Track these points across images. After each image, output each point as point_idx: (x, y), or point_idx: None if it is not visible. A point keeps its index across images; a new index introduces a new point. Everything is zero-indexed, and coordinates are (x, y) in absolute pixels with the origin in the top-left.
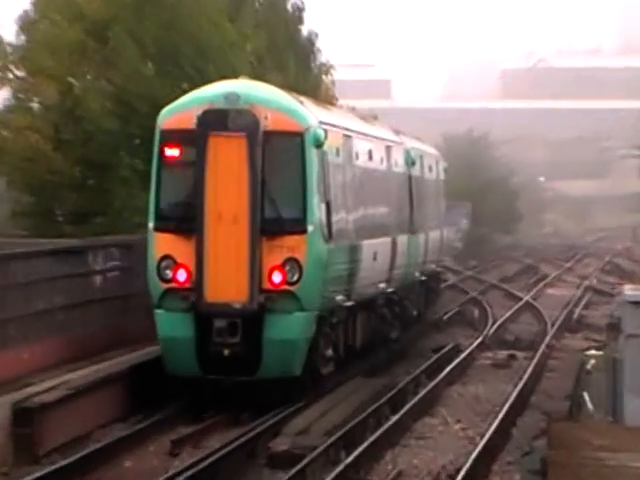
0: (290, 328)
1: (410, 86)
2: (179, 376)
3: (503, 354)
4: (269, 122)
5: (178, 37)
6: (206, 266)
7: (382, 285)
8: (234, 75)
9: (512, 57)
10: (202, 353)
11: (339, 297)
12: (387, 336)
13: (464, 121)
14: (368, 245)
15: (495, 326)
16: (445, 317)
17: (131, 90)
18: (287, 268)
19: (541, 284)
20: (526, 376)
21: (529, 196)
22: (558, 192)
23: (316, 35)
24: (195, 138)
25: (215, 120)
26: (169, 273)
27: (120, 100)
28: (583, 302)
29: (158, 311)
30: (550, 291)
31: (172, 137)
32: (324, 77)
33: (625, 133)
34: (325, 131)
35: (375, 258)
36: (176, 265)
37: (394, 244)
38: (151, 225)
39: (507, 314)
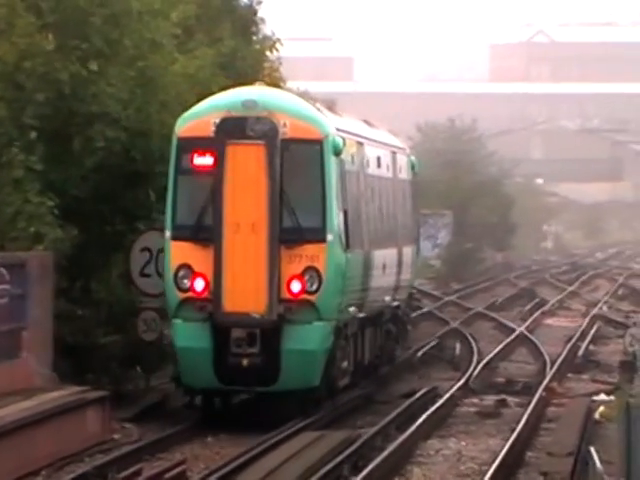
0: (309, 338)
1: (376, 65)
2: (195, 388)
3: (491, 400)
4: (288, 129)
5: (84, 2)
6: (224, 275)
7: (388, 298)
8: (154, 49)
9: (504, 30)
10: (220, 364)
11: (352, 308)
12: (392, 353)
13: (443, 109)
14: (378, 255)
15: (481, 365)
16: (419, 354)
17: (26, 69)
18: (306, 277)
19: (538, 312)
20: (519, 427)
21: (526, 203)
22: (561, 197)
23: (259, 2)
24: (213, 146)
25: (233, 127)
26: (186, 282)
27: (11, 82)
28: (590, 335)
29: (175, 321)
30: (550, 321)
31: (189, 145)
32: (268, 53)
33: None
34: (343, 139)
35: (384, 269)
36: (193, 274)
37: (400, 255)
38: (168, 234)
39: (496, 350)
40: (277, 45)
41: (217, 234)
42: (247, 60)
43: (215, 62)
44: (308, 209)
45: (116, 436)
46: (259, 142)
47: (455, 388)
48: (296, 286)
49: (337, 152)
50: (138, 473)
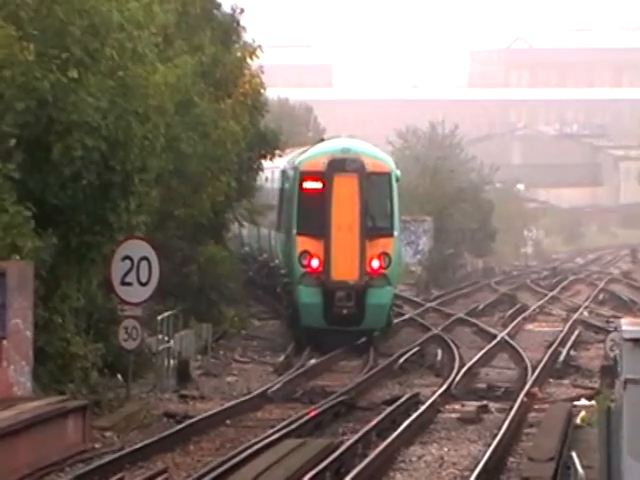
0: (383, 297)
1: (355, 72)
2: (310, 328)
3: (473, 406)
4: (369, 166)
5: (63, 13)
6: (331, 257)
7: None
8: (135, 59)
9: (483, 36)
10: (327, 313)
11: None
12: None
13: (423, 115)
14: None
15: (463, 371)
16: (401, 360)
17: (5, 78)
18: (382, 258)
19: (519, 318)
20: (501, 433)
21: (506, 208)
22: (540, 202)
23: (240, 10)
24: (325, 176)
25: (337, 165)
26: (305, 262)
27: None
28: (571, 340)
29: (299, 287)
30: (531, 327)
31: (308, 175)
32: (249, 60)
33: (622, 129)
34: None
35: None
36: (310, 256)
37: None
38: (294, 231)
39: (478, 356)
40: (257, 52)
41: (327, 231)
42: (227, 67)
43: (196, 70)
44: (382, 216)
45: (97, 445)
46: (353, 174)
47: (437, 394)
48: (375, 264)
49: (398, 180)
50: None
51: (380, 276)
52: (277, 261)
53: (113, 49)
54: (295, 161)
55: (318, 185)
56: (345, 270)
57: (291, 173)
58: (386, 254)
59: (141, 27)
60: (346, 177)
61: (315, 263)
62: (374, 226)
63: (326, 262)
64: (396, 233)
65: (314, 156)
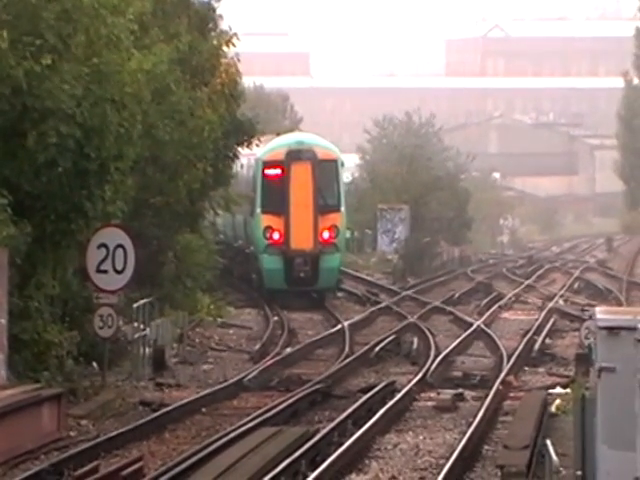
0: (333, 262)
1: (332, 61)
2: (273, 289)
3: (448, 394)
4: (320, 155)
5: None
6: (290, 231)
7: None
8: (110, 46)
9: (459, 24)
10: (288, 276)
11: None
12: None
13: (399, 104)
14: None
15: (439, 359)
16: (377, 348)
17: None
18: (332, 230)
19: (495, 306)
20: (476, 421)
21: (482, 197)
22: (517, 191)
23: None
24: (284, 164)
25: (294, 154)
26: (268, 235)
27: None
28: (547, 328)
29: (263, 255)
30: (506, 315)
31: (269, 164)
32: (225, 49)
33: (597, 118)
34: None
35: None
36: (272, 230)
37: None
38: (258, 210)
39: (454, 344)
40: (234, 40)
41: (286, 209)
42: (204, 55)
43: (172, 58)
44: (331, 195)
45: (72, 433)
46: (307, 162)
47: (412, 382)
48: (326, 234)
49: (342, 165)
50: (95, 470)
51: (330, 244)
52: (221, 236)
53: (86, 35)
54: (258, 153)
55: (278, 172)
56: (302, 240)
57: (245, 162)
58: (335, 226)
59: (117, 13)
60: (301, 164)
61: (276, 236)
62: (325, 204)
63: (286, 234)
64: (342, 209)
65: (274, 148)
